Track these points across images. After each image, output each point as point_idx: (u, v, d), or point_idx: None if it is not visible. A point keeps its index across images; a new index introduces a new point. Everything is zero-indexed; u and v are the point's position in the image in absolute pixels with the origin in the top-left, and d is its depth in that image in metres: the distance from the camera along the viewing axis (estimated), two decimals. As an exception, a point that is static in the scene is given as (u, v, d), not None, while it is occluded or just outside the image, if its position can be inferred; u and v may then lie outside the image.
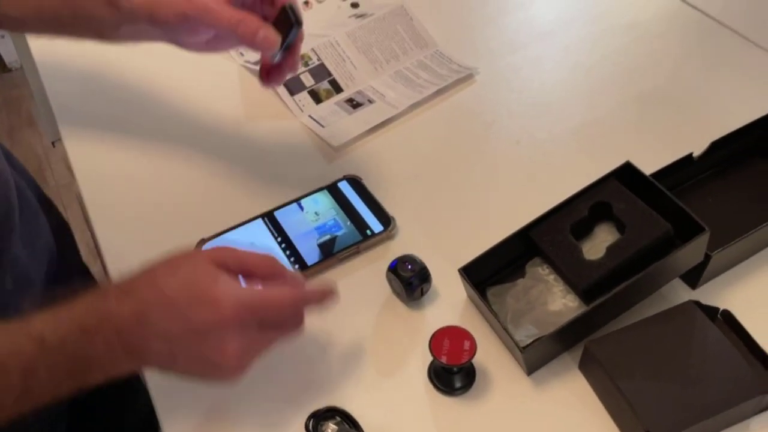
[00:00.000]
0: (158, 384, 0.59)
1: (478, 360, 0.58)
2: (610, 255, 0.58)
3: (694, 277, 0.63)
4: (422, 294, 0.64)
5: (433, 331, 0.57)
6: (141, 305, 0.47)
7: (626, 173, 0.63)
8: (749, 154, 0.72)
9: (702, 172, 0.72)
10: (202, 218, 0.72)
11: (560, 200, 0.63)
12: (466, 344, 0.56)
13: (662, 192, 0.60)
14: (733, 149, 0.71)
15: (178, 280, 0.48)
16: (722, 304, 0.62)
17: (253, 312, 0.49)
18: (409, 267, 0.62)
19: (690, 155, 0.69)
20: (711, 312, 0.59)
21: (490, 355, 0.60)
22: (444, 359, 0.55)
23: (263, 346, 0.51)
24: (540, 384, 0.58)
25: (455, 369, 0.56)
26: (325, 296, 0.54)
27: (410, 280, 0.62)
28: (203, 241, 0.69)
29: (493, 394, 0.58)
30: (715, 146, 0.70)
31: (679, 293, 0.64)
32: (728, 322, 0.60)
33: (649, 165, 0.64)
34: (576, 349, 0.60)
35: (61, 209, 0.84)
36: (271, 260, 0.53)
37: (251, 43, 0.55)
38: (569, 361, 0.60)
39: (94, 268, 0.94)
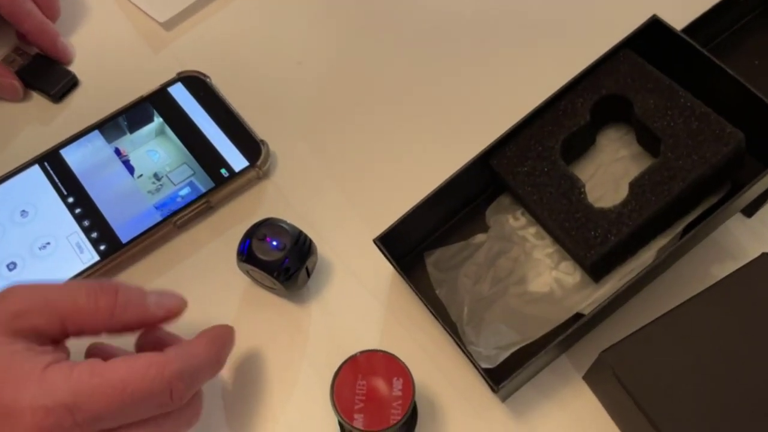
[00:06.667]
0: None
1: (418, 380, 0.34)
2: (638, 197, 0.33)
3: (752, 203, 0.39)
4: (309, 275, 0.38)
5: (339, 345, 0.32)
6: None
7: (648, 37, 0.36)
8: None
9: (741, 17, 0.45)
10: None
11: (536, 93, 0.37)
12: (397, 384, 0.32)
13: (723, 71, 0.34)
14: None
15: None
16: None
17: (75, 410, 0.26)
18: (274, 244, 0.36)
19: (734, -5, 0.42)
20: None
21: (439, 364, 0.36)
22: (359, 423, 0.31)
23: None
24: (521, 410, 0.35)
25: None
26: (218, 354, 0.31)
27: (282, 265, 0.36)
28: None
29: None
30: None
31: (728, 226, 0.40)
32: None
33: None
34: (576, 349, 0.37)
35: None
36: (117, 295, 0.30)
37: None
38: (566, 363, 0.37)
39: None
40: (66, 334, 0.29)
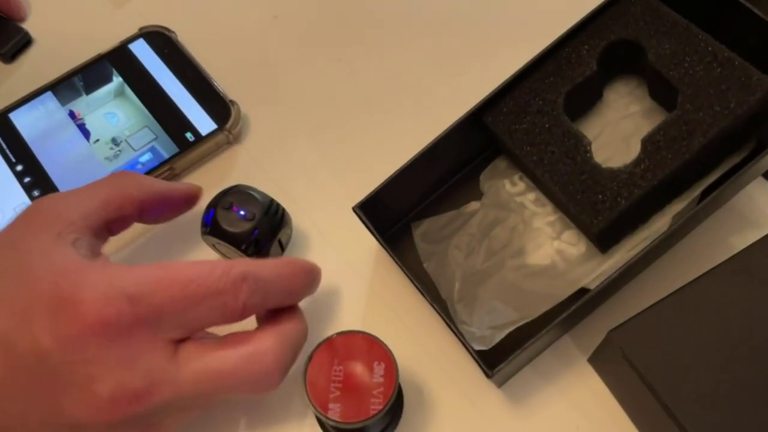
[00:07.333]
0: None
1: (403, 365, 0.31)
2: (651, 155, 0.29)
3: (776, 165, 0.35)
4: (282, 249, 0.34)
5: (316, 326, 0.29)
6: None
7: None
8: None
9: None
10: None
11: (535, 41, 0.33)
12: (379, 370, 0.28)
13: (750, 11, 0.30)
14: None
15: None
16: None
17: (135, 302, 0.25)
18: (242, 214, 0.32)
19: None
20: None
21: (427, 347, 0.32)
22: (334, 413, 0.27)
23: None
24: (518, 396, 0.32)
25: (359, 426, 0.29)
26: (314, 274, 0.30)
27: (251, 237, 0.32)
28: None
29: (438, 426, 0.31)
30: None
31: (749, 192, 0.36)
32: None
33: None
34: (580, 328, 0.33)
35: None
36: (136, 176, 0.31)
37: None
38: (569, 344, 0.33)
39: None
40: (109, 229, 0.30)
